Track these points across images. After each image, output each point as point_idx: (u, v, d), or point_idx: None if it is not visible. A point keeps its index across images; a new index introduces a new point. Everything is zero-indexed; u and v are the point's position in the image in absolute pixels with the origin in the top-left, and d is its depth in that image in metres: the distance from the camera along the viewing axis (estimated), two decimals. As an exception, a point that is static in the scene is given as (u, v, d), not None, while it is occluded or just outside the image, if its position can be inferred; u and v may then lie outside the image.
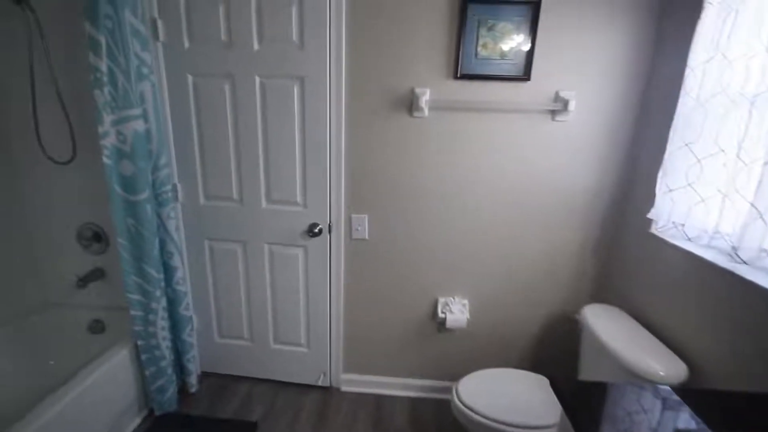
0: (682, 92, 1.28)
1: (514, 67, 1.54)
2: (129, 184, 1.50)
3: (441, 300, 1.86)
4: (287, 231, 1.81)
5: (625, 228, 1.66)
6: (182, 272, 1.79)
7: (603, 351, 1.36)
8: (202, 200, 1.82)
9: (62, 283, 1.95)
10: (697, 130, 1.22)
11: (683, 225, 1.29)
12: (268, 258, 1.87)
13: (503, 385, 1.53)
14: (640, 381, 1.19)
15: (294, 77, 1.61)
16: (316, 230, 1.76)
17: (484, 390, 1.49)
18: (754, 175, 1.04)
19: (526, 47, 1.51)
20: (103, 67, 1.37)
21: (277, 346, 2.01)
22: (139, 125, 1.49)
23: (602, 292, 1.78)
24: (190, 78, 1.66)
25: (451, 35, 1.53)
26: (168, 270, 1.74)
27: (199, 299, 1.98)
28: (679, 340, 1.30)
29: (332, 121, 1.65)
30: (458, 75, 1.55)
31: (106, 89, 1.39)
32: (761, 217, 0.98)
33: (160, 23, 1.59)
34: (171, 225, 1.70)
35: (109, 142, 1.44)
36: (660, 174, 1.37)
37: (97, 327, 1.92)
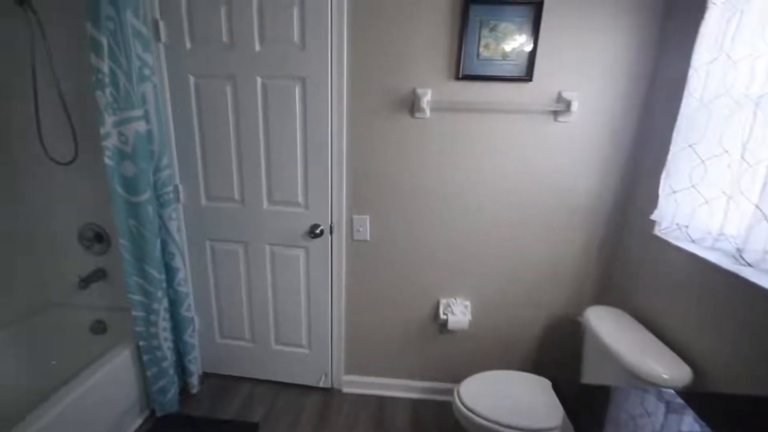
0: (686, 93, 1.27)
1: (516, 68, 1.53)
2: (131, 185, 1.50)
3: (443, 301, 1.86)
4: (288, 232, 1.81)
5: (627, 229, 1.65)
6: (184, 273, 1.79)
7: (606, 353, 1.35)
8: (203, 201, 1.82)
9: (64, 284, 1.96)
10: (700, 131, 1.21)
11: (687, 227, 1.28)
12: (270, 259, 1.87)
13: (505, 388, 1.52)
14: (644, 384, 1.19)
15: (295, 78, 1.61)
16: (318, 231, 1.75)
17: (486, 392, 1.48)
18: (759, 176, 1.04)
19: (529, 48, 1.51)
20: (105, 69, 1.37)
21: (278, 347, 2.01)
22: (141, 126, 1.49)
23: (605, 294, 1.77)
24: (191, 79, 1.66)
25: (453, 36, 1.53)
26: (169, 271, 1.75)
27: (201, 300, 1.98)
28: (683, 342, 1.29)
29: (333, 122, 1.65)
30: (460, 76, 1.55)
31: (107, 90, 1.39)
32: (766, 219, 0.97)
33: (161, 24, 1.60)
34: (172, 226, 1.70)
35: (110, 143, 1.44)
36: (663, 175, 1.36)
37: (99, 327, 1.92)
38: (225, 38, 1.59)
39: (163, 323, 1.69)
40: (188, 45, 1.62)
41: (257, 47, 1.58)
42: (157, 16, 1.59)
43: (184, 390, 1.94)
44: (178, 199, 1.80)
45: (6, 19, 1.60)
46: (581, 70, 1.53)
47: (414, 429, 1.81)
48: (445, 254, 1.80)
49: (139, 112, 1.48)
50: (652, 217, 1.42)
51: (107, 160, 1.44)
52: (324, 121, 1.64)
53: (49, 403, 1.32)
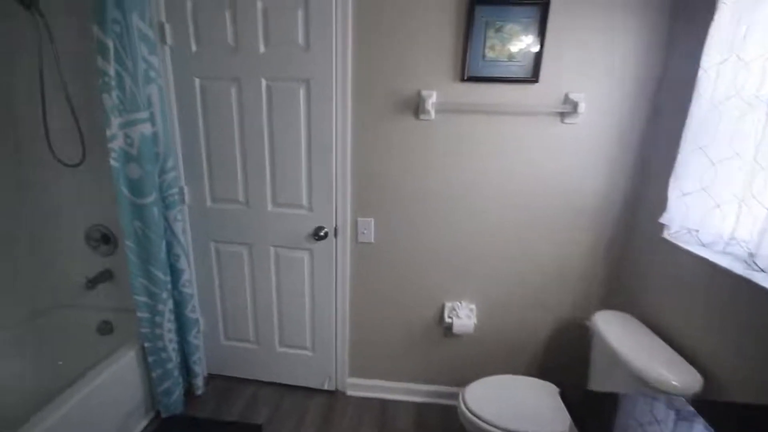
0: (696, 94, 1.24)
1: (522, 69, 1.52)
2: (136, 187, 1.51)
3: (448, 305, 1.84)
4: (293, 234, 1.80)
5: (636, 232, 1.63)
6: (189, 274, 1.80)
7: (614, 359, 1.33)
8: (208, 203, 1.83)
9: (71, 285, 1.97)
10: (711, 133, 1.19)
11: (698, 231, 1.25)
12: (274, 261, 1.87)
13: (511, 392, 1.50)
14: (653, 391, 1.17)
15: (300, 80, 1.60)
16: (322, 233, 1.75)
17: (492, 397, 1.46)
18: (772, 179, 1.01)
19: (535, 49, 1.49)
20: (111, 71, 1.38)
21: (283, 349, 2.00)
22: (147, 128, 1.50)
23: (613, 297, 1.74)
24: (197, 81, 1.67)
25: (458, 37, 1.52)
26: (174, 272, 1.75)
27: (206, 301, 1.99)
28: (694, 348, 1.26)
29: (338, 124, 1.64)
30: (465, 77, 1.54)
31: (113, 93, 1.40)
32: (779, 223, 0.95)
33: (167, 27, 1.60)
34: (178, 227, 1.71)
35: (116, 145, 1.44)
36: (672, 178, 1.34)
37: (105, 328, 1.94)
38: (230, 40, 1.59)
39: (168, 324, 1.70)
40: (194, 47, 1.63)
41: (262, 49, 1.58)
42: (163, 19, 1.60)
43: (189, 391, 1.95)
44: (183, 201, 1.81)
45: (14, 23, 1.62)
46: (588, 72, 1.51)
47: (418, 433, 1.80)
48: (450, 256, 1.78)
49: (144, 115, 1.48)
50: (661, 220, 1.40)
51: (113, 162, 1.45)
52: (328, 123, 1.64)
53: (54, 404, 1.33)
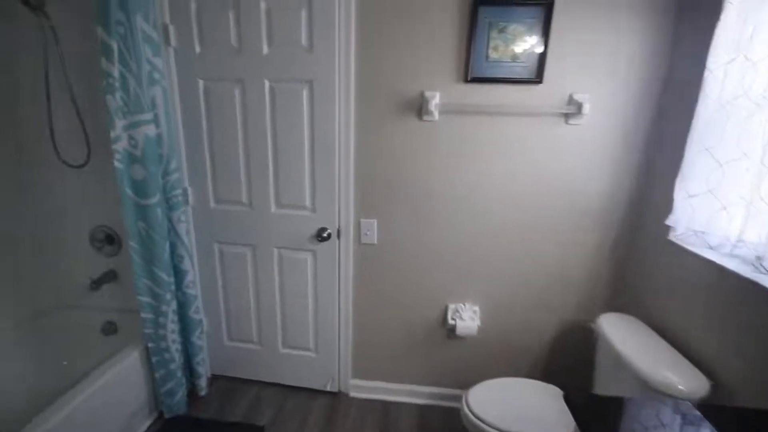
0: (702, 95, 1.23)
1: (526, 70, 1.51)
2: (140, 188, 1.52)
3: (451, 306, 1.83)
4: (296, 235, 1.80)
5: (641, 233, 1.62)
6: (192, 275, 1.80)
7: (619, 362, 1.31)
8: (212, 204, 1.83)
9: (75, 285, 1.98)
10: (718, 134, 1.17)
11: (704, 233, 1.24)
12: (277, 262, 1.87)
13: (514, 395, 1.49)
14: (659, 395, 1.15)
15: (303, 81, 1.60)
16: (325, 235, 1.75)
17: (495, 400, 1.45)
18: (780, 181, 1.00)
19: (539, 49, 1.48)
20: (115, 73, 1.38)
21: (286, 351, 2.00)
22: (151, 130, 1.50)
23: (617, 299, 1.73)
24: (201, 83, 1.67)
25: (462, 38, 1.51)
26: (178, 273, 1.76)
27: (209, 302, 1.99)
28: (700, 352, 1.25)
29: (341, 125, 1.64)
30: (468, 78, 1.53)
31: (118, 94, 1.40)
32: (788, 225, 0.93)
33: (171, 29, 1.61)
34: (181, 228, 1.71)
35: (120, 146, 1.45)
36: (678, 179, 1.33)
37: (110, 329, 1.94)
38: (233, 41, 1.60)
39: (172, 325, 1.70)
40: (197, 49, 1.63)
41: (265, 50, 1.59)
42: (167, 20, 1.60)
43: (192, 392, 1.95)
44: (186, 202, 1.81)
45: (20, 24, 1.63)
46: (593, 72, 1.50)
47: (421, 435, 1.79)
48: (454, 257, 1.78)
49: (148, 116, 1.49)
50: (667, 222, 1.38)
51: (117, 164, 1.45)
52: (331, 124, 1.64)
53: (57, 404, 1.33)
